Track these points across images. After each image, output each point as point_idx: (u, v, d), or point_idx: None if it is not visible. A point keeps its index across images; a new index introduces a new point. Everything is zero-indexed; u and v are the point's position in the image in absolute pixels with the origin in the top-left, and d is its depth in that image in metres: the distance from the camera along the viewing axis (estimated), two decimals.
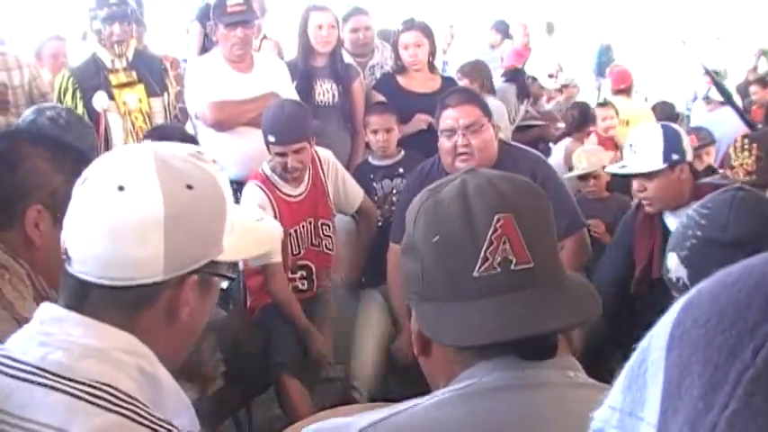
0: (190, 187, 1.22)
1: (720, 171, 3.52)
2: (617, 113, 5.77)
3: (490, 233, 1.12)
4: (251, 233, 1.36)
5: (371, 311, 3.75)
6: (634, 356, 0.44)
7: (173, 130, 3.73)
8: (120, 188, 1.19)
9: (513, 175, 1.24)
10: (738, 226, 1.75)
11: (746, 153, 2.98)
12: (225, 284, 1.32)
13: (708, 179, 3.32)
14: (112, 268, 1.19)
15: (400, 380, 3.59)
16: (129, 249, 1.18)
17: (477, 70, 5.63)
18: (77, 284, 1.21)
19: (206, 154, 1.31)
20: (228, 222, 1.27)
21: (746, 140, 3.03)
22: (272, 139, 3.48)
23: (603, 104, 6.03)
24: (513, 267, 1.11)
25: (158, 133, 3.63)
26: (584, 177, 4.59)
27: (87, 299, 1.21)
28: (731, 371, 0.37)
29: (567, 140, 5.49)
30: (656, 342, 0.42)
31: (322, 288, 3.76)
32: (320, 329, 3.57)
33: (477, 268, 1.11)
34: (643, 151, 3.15)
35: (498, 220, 1.12)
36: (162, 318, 1.24)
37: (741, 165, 2.97)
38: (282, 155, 3.48)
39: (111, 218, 1.19)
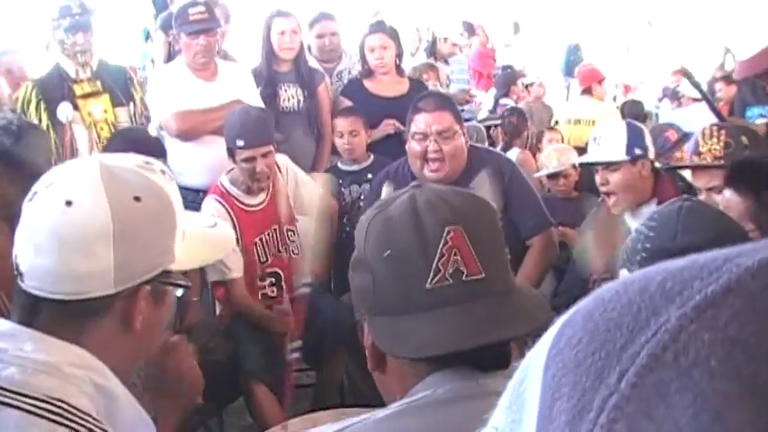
0: (137, 199, 1.22)
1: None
2: (562, 139, 5.82)
3: (441, 245, 1.12)
4: (203, 241, 1.37)
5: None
6: (516, 374, 0.42)
7: (137, 133, 3.71)
8: (68, 203, 1.19)
9: (461, 189, 1.26)
10: (687, 234, 1.74)
11: (715, 140, 3.01)
12: (180, 293, 1.31)
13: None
14: (62, 283, 1.20)
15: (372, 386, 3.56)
16: (78, 264, 1.19)
17: (433, 69, 5.88)
18: (29, 299, 1.22)
19: (155, 164, 1.31)
20: (179, 231, 1.27)
21: (715, 128, 3.08)
22: (240, 143, 3.43)
23: (552, 128, 6.08)
24: (464, 278, 1.12)
25: (123, 137, 3.61)
26: (553, 176, 4.62)
27: (39, 313, 1.22)
28: (596, 396, 0.35)
29: (516, 151, 5.44)
30: (534, 361, 0.40)
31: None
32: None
33: (429, 280, 1.12)
34: (606, 143, 3.20)
35: (449, 233, 1.13)
36: (116, 329, 1.24)
37: (709, 150, 3.00)
38: (251, 160, 3.44)
39: (60, 233, 1.19)
